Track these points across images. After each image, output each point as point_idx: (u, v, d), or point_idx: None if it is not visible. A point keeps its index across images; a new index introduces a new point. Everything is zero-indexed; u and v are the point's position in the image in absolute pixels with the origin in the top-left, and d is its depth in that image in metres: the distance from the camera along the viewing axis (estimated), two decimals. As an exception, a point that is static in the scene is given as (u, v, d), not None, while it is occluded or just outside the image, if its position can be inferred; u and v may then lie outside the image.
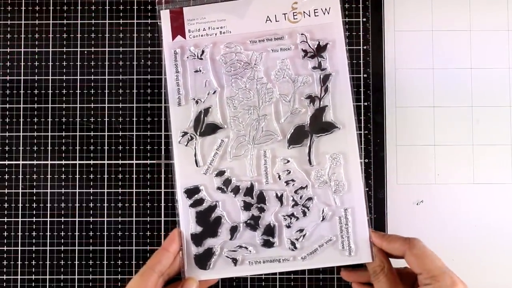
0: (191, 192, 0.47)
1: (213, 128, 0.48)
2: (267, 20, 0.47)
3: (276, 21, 0.47)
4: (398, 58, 0.54)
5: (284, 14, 0.48)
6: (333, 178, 0.47)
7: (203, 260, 0.47)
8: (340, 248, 0.47)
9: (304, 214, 0.47)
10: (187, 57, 0.48)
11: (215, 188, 0.47)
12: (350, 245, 0.46)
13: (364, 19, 0.54)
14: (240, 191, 0.47)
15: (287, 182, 0.47)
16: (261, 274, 0.48)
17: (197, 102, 0.48)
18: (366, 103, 0.53)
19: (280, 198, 0.47)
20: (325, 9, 0.47)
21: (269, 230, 0.47)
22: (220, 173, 0.47)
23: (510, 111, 0.54)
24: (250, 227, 0.47)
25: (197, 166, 0.47)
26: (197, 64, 0.48)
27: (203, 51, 0.48)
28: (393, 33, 0.54)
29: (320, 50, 0.48)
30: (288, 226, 0.47)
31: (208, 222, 0.47)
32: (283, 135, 0.47)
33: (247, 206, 0.47)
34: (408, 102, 0.54)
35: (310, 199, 0.47)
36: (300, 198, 0.47)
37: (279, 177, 0.47)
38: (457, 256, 0.53)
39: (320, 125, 0.47)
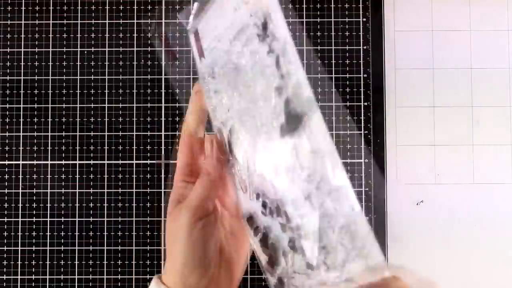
0: (250, 220, 0.36)
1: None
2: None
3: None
4: (398, 58, 0.54)
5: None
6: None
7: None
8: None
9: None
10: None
11: (260, 213, 0.35)
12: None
13: (364, 19, 0.54)
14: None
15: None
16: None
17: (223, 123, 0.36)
18: (366, 103, 0.53)
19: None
20: None
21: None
22: (257, 196, 0.35)
23: (510, 111, 0.54)
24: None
25: (244, 192, 0.36)
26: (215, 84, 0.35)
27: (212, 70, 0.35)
28: (393, 33, 0.54)
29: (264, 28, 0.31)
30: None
31: (268, 247, 0.35)
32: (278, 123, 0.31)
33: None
34: (408, 102, 0.54)
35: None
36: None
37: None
38: (457, 256, 0.53)
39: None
